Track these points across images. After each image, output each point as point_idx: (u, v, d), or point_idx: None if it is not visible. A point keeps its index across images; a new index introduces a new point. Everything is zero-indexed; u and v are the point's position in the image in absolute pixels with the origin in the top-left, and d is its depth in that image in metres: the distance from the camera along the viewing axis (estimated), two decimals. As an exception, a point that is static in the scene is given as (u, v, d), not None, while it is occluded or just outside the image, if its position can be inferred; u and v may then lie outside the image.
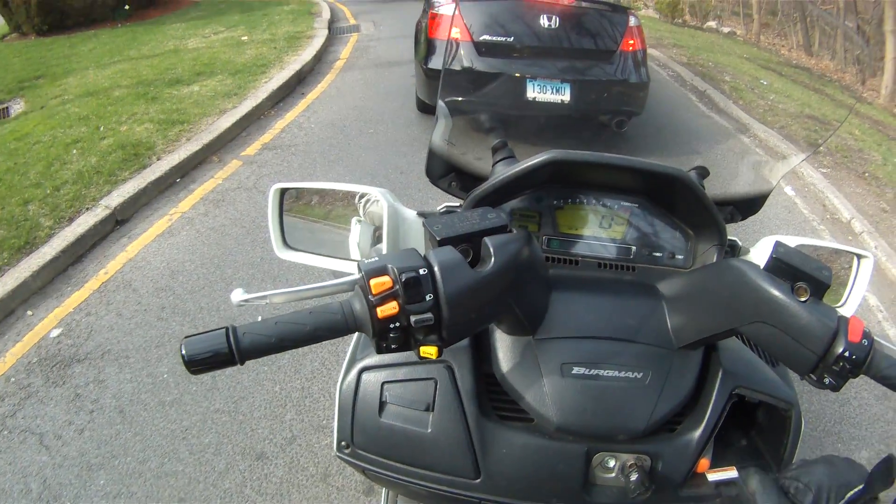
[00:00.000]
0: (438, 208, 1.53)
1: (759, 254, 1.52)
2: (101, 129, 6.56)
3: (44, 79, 9.14)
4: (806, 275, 0.99)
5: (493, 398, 1.26)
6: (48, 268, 4.30)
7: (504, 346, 1.21)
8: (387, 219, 1.43)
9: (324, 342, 0.93)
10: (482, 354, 1.26)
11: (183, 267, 4.28)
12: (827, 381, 0.98)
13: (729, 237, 1.43)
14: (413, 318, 0.90)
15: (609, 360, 1.16)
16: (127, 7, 13.82)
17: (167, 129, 6.45)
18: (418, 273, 0.90)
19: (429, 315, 0.91)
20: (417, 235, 1.49)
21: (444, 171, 1.57)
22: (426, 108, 7.04)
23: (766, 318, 1.01)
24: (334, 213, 1.60)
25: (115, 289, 4.11)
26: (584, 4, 6.15)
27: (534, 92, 5.77)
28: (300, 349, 1.35)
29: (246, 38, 10.91)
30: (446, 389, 1.21)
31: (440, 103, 1.60)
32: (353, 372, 1.27)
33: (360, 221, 1.54)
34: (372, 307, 0.89)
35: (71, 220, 4.80)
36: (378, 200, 1.46)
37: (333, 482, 2.91)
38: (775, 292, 1.00)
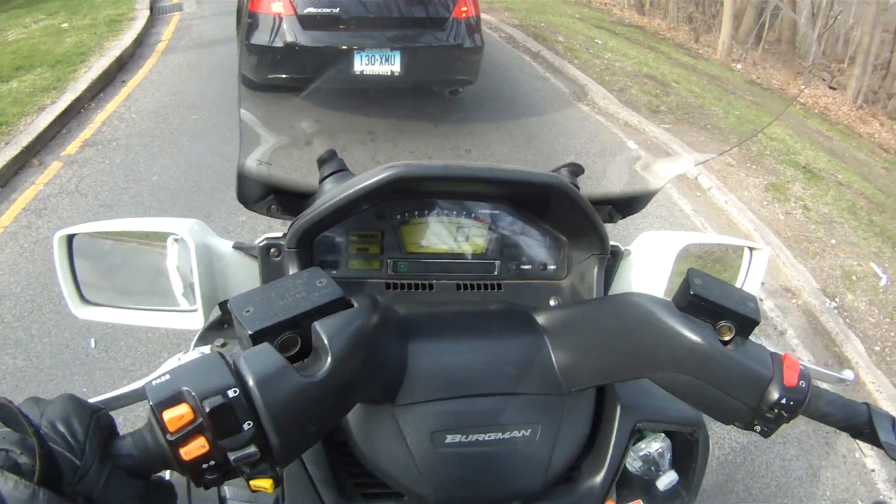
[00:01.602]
0: (257, 241, 1.21)
1: (641, 254, 1.37)
2: (-83, 139, 6.06)
3: None
4: (729, 311, 0.85)
5: (353, 472, 1.04)
6: None
7: (359, 417, 0.97)
8: (196, 262, 1.17)
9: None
10: None
11: (9, 290, 4.00)
12: (758, 428, 0.86)
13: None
14: (231, 456, 0.66)
15: (488, 422, 0.96)
16: (-59, -2, 12.84)
17: (-16, 134, 6.00)
18: (227, 397, 0.65)
19: (252, 449, 0.67)
20: (237, 272, 1.25)
21: (261, 194, 1.25)
22: (252, 86, 6.75)
23: (684, 369, 0.87)
24: (139, 256, 1.34)
25: (-61, 321, 3.82)
26: None
27: (361, 64, 5.58)
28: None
29: (66, 24, 10.25)
30: (295, 478, 0.99)
31: (244, 113, 1.21)
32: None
33: (176, 266, 1.25)
34: (173, 447, 0.65)
35: None
36: (183, 239, 1.19)
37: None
38: (696, 339, 0.85)
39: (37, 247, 4.44)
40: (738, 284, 1.44)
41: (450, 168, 1.12)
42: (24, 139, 5.85)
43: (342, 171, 1.23)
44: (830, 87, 14.42)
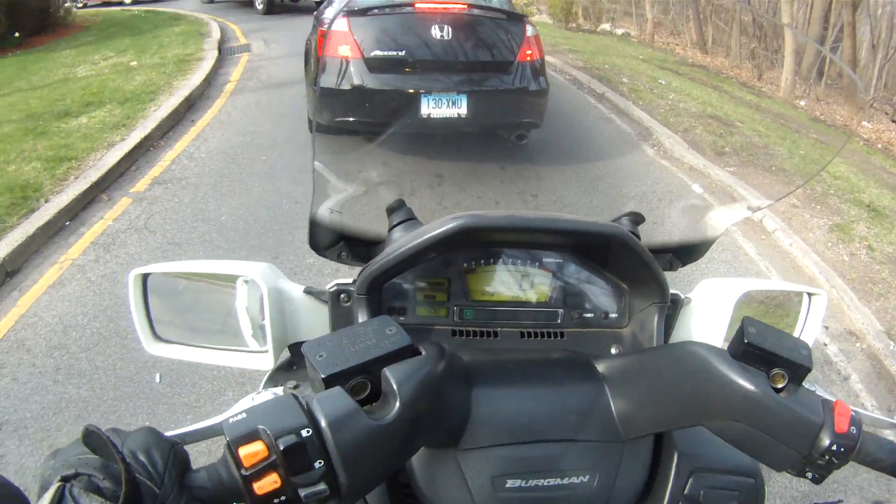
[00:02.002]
0: (328, 286, 1.24)
1: (701, 302, 1.37)
2: (-11, 169, 6.21)
3: (-73, 117, 8.62)
4: (782, 359, 0.86)
5: None
6: (-64, 329, 3.99)
7: (422, 460, 0.99)
8: (268, 305, 1.20)
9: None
10: None
11: (76, 321, 4.04)
12: (809, 475, 0.86)
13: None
14: (302, 493, 0.69)
15: (548, 467, 0.98)
16: (17, 35, 13.25)
17: (55, 167, 6.13)
18: (301, 436, 0.68)
19: (322, 487, 0.70)
20: (307, 316, 1.28)
21: (332, 241, 1.31)
22: (320, 129, 6.82)
23: (738, 416, 0.88)
24: (211, 295, 1.36)
25: (9, 350, 3.84)
26: (477, 13, 6.03)
27: (428, 108, 5.66)
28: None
29: (135, 63, 10.55)
30: None
31: (317, 166, 1.31)
32: None
33: (245, 307, 1.27)
34: (246, 482, 0.67)
35: (-41, 275, 4.50)
36: (254, 281, 1.22)
37: None
38: (749, 387, 0.85)
39: (104, 280, 4.48)
40: (797, 330, 1.44)
41: (514, 219, 1.13)
42: (94, 174, 5.98)
43: (411, 219, 1.27)
44: (893, 121, 14.15)
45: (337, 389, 0.75)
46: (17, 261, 4.75)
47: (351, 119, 5.85)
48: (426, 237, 1.07)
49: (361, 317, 1.16)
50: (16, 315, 4.17)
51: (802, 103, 14.67)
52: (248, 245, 4.91)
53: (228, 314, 1.29)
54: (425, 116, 5.66)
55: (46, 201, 5.48)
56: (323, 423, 0.70)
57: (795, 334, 1.36)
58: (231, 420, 0.68)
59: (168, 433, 0.75)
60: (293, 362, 1.33)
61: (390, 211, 1.29)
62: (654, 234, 1.43)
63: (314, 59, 6.19)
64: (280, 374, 1.30)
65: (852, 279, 5.43)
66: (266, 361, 1.24)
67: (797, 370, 0.86)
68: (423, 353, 0.85)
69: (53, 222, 5.23)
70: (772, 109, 12.26)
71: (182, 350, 1.30)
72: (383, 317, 0.87)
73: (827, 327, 4.74)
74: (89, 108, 8.08)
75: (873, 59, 15.89)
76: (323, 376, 0.77)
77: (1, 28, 13.00)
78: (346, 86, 5.86)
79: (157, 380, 3.55)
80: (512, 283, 1.26)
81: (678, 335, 1.36)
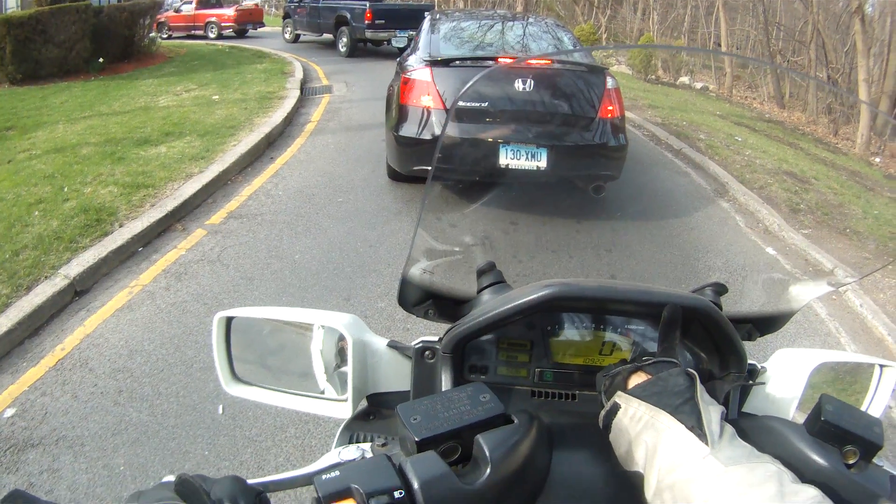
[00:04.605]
0: (414, 343, 1.30)
1: (776, 372, 1.38)
2: (66, 189, 6.52)
3: (13, 130, 9.14)
4: (856, 436, 0.92)
5: None
6: (4, 340, 4.18)
7: None
8: (352, 356, 1.25)
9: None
10: None
11: (141, 346, 4.17)
12: None
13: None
14: None
15: None
16: (101, 60, 13.89)
17: (131, 194, 6.40)
18: (393, 497, 0.72)
19: None
20: (389, 369, 1.33)
21: (420, 299, 1.37)
22: (397, 177, 6.98)
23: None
24: (290, 341, 1.43)
25: (72, 367, 3.99)
26: (559, 67, 6.13)
27: (507, 158, 5.77)
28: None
29: (217, 97, 10.94)
30: None
31: (420, 232, 1.32)
32: None
33: (320, 351, 1.34)
34: None
35: (29, 288, 4.70)
36: (340, 332, 1.27)
37: None
38: (823, 462, 0.92)
39: (173, 309, 4.62)
40: (867, 399, 1.45)
41: (605, 289, 1.18)
42: (170, 203, 6.23)
43: (500, 283, 1.33)
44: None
45: (430, 453, 0.80)
46: (87, 281, 4.95)
47: (429, 168, 6.00)
48: (518, 303, 1.13)
49: (445, 374, 1.24)
50: (81, 334, 4.34)
51: (877, 160, 14.63)
52: (320, 285, 5.01)
53: (307, 360, 1.36)
54: (503, 167, 5.78)
55: (121, 226, 5.72)
56: (416, 486, 0.74)
57: (865, 404, 1.42)
58: (324, 477, 0.73)
59: (251, 481, 0.80)
60: (370, 412, 1.36)
61: (480, 273, 1.35)
62: (735, 304, 1.47)
63: (396, 106, 6.33)
64: (356, 423, 1.33)
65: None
66: (344, 410, 1.29)
67: (869, 447, 0.92)
68: (516, 421, 0.90)
69: (126, 247, 5.45)
70: (847, 167, 12.25)
71: (259, 392, 1.37)
72: (478, 384, 0.94)
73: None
74: (169, 137, 8.42)
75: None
76: (417, 439, 0.82)
77: (86, 52, 13.67)
78: (426, 135, 6.01)
79: (220, 411, 3.63)
80: (593, 348, 1.31)
81: (752, 403, 1.38)
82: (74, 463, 3.30)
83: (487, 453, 0.82)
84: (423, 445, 0.82)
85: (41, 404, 3.70)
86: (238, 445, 3.43)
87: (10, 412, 3.65)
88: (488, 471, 0.81)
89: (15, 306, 4.47)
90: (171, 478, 0.74)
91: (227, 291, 4.83)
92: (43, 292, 4.64)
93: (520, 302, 1.12)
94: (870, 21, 20.03)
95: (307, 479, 0.85)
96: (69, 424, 3.54)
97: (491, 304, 1.19)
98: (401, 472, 0.75)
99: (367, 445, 1.18)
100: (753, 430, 1.03)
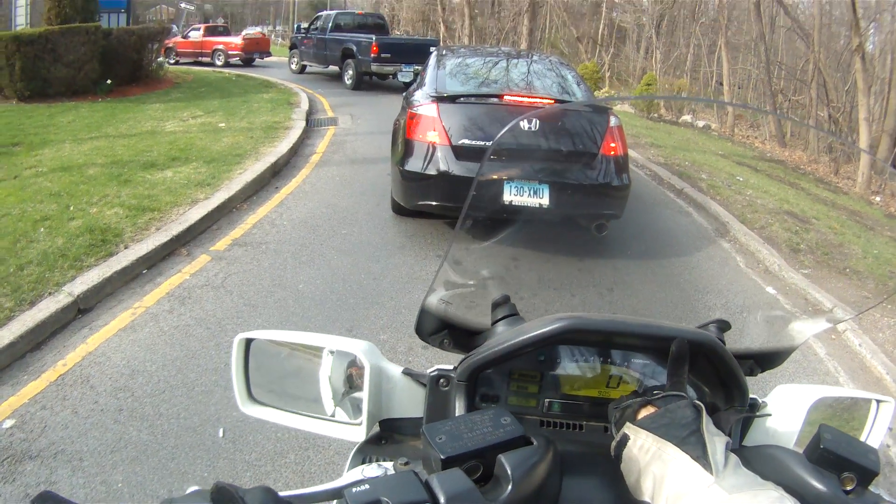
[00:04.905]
0: (429, 371, 1.36)
1: (777, 406, 1.43)
2: (71, 208, 6.58)
3: (20, 147, 9.21)
4: (853, 464, 0.97)
5: None
6: (6, 352, 4.22)
7: None
8: (368, 382, 1.30)
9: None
10: None
11: (143, 367, 4.21)
12: None
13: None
14: None
15: None
16: (109, 82, 14.00)
17: (137, 216, 6.46)
18: None
19: None
20: (402, 395, 1.38)
21: (437, 328, 1.43)
22: (402, 211, 7.03)
23: None
24: (303, 365, 1.45)
25: (73, 383, 4.03)
26: (563, 106, 6.20)
27: (510, 195, 5.85)
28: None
29: (223, 124, 11.05)
30: None
31: (446, 267, 1.39)
32: None
33: (328, 377, 1.40)
34: None
35: (32, 303, 4.73)
36: (357, 357, 1.33)
37: None
38: (822, 488, 0.97)
39: (177, 332, 4.66)
40: (864, 433, 1.51)
41: (616, 323, 1.23)
42: (175, 228, 6.30)
43: (514, 315, 1.40)
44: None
45: (456, 470, 0.85)
46: (90, 300, 5.00)
47: (433, 203, 6.19)
48: (532, 335, 1.19)
49: (459, 401, 1.29)
50: (83, 351, 4.38)
51: (878, 199, 14.76)
52: (323, 315, 5.05)
53: (317, 384, 1.41)
54: (507, 203, 5.85)
55: (126, 247, 5.77)
56: (442, 500, 0.78)
57: (862, 438, 1.46)
58: (354, 489, 0.77)
59: (282, 493, 0.83)
60: (381, 437, 1.41)
61: (495, 305, 1.42)
62: (738, 340, 1.54)
63: (402, 140, 6.41)
64: (369, 447, 1.37)
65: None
66: (357, 434, 1.34)
67: (866, 474, 0.97)
68: (535, 443, 0.97)
69: (131, 268, 5.50)
70: (847, 206, 12.36)
71: (275, 413, 1.41)
72: (499, 409, 1.01)
73: (892, 428, 4.66)
74: (175, 162, 8.51)
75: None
76: (442, 457, 0.88)
77: (94, 74, 13.77)
78: (431, 171, 6.08)
79: (221, 434, 3.66)
80: (600, 380, 1.37)
81: (753, 436, 1.43)
82: (72, 477, 3.33)
83: (510, 471, 0.88)
84: (447, 463, 0.88)
85: (41, 417, 3.73)
86: (238, 469, 3.45)
87: (9, 423, 3.67)
88: (510, 488, 0.87)
89: (18, 320, 4.51)
90: (196, 488, 0.78)
91: (230, 317, 4.87)
92: (46, 308, 4.68)
93: (534, 333, 1.19)
94: (870, 59, 20.34)
95: (335, 494, 0.88)
96: (68, 439, 3.57)
97: (506, 336, 1.25)
98: (427, 487, 0.79)
99: (388, 464, 1.21)
100: (756, 459, 1.08)
